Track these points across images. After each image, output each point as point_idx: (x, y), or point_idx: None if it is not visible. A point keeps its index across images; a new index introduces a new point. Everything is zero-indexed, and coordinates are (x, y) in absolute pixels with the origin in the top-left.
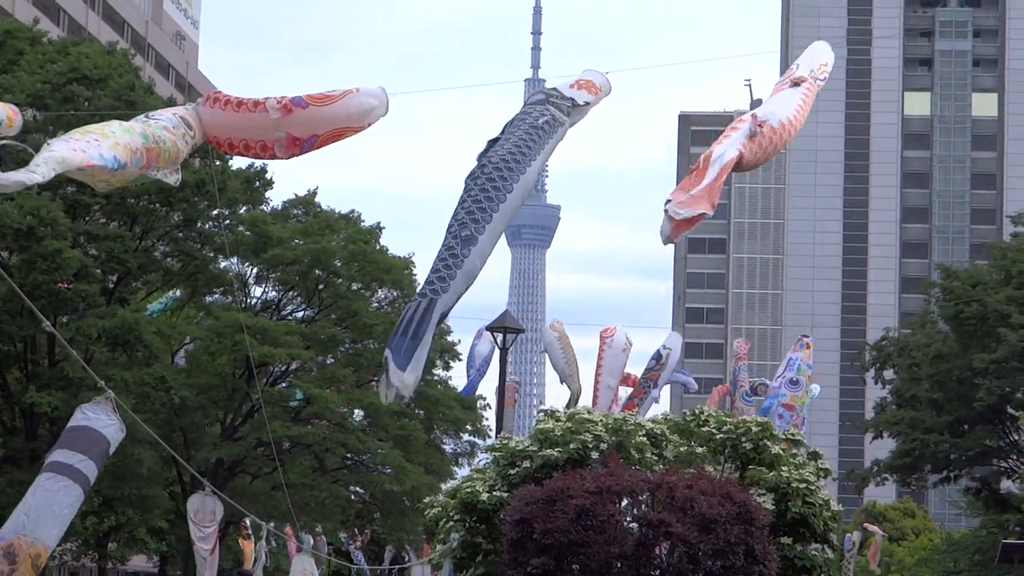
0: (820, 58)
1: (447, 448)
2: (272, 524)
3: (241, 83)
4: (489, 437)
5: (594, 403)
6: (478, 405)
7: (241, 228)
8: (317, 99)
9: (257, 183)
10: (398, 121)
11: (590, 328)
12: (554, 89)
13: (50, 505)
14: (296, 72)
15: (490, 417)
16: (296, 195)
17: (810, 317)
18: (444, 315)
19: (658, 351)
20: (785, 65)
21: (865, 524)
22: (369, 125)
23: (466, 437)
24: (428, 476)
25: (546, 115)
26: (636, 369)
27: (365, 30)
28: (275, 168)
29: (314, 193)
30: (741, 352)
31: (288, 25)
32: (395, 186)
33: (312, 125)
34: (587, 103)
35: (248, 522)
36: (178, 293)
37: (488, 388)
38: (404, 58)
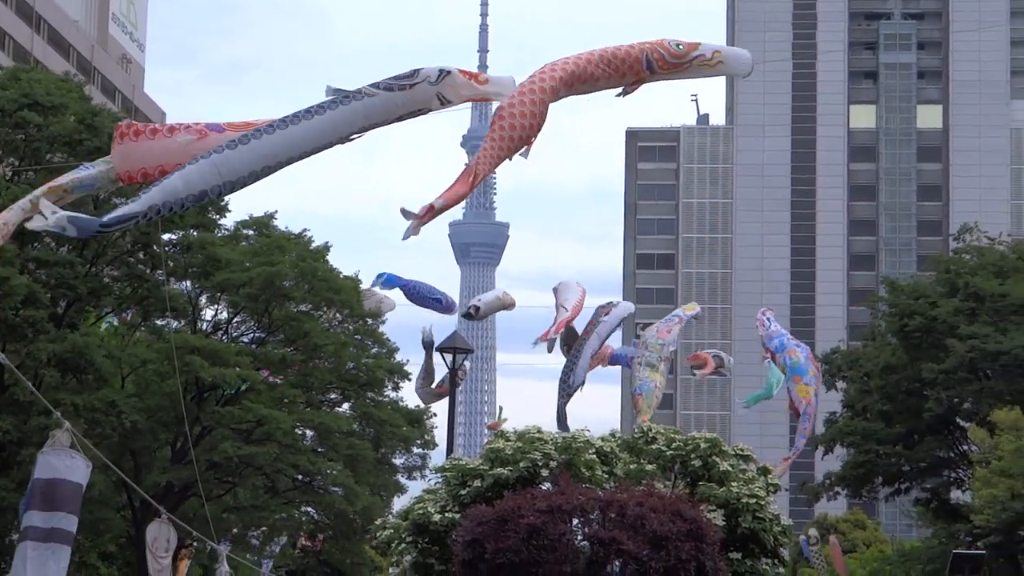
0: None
1: (397, 462)
2: (228, 548)
3: (182, 104)
4: (438, 446)
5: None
6: (425, 417)
7: (191, 252)
8: (237, 127)
9: (211, 209)
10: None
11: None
12: (415, 72)
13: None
14: (227, 92)
15: (438, 425)
16: (251, 216)
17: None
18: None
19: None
20: (731, 81)
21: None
22: None
23: (416, 451)
24: (377, 497)
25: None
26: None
27: (299, 50)
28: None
29: (271, 215)
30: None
31: (224, 44)
32: (334, 207)
33: None
34: (441, 76)
35: (195, 545)
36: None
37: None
38: (341, 78)
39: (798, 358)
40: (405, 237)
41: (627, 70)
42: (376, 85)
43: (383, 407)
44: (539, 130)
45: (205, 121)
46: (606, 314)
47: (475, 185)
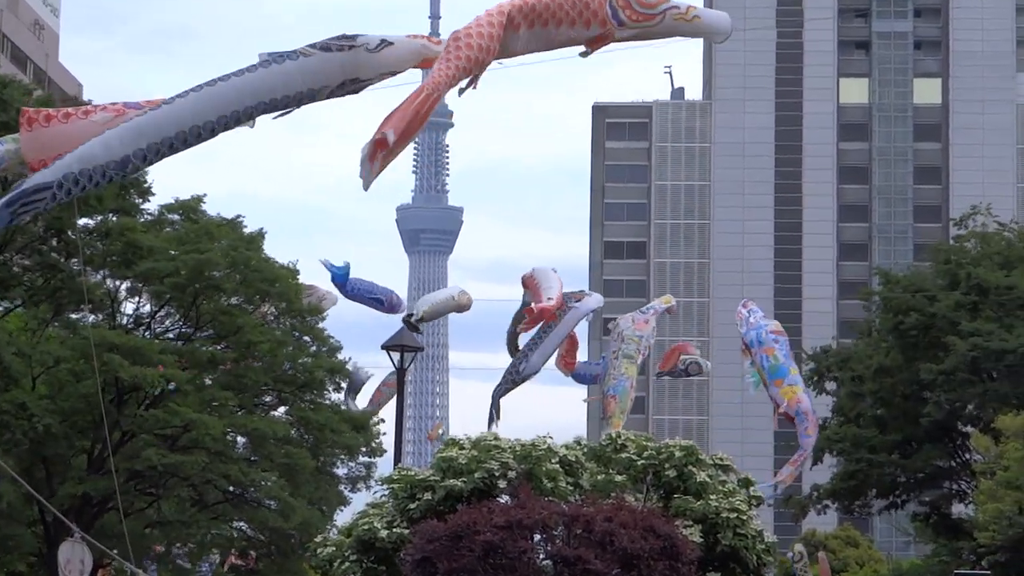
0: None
1: (340, 472)
2: (152, 569)
3: (100, 75)
4: (386, 452)
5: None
6: (371, 422)
7: (110, 238)
8: (155, 104)
9: (132, 191)
10: (268, 120)
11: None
12: (355, 36)
13: None
14: (151, 62)
15: (386, 431)
16: (177, 199)
17: None
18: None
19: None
20: (708, 51)
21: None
22: None
23: (360, 459)
24: (314, 510)
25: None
26: None
27: (232, 16)
28: (154, 173)
29: (200, 199)
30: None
31: (148, 9)
32: (269, 190)
33: None
34: (381, 45)
35: (113, 565)
36: None
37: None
38: (279, 48)
39: (777, 358)
40: (366, 187)
41: (591, 16)
42: (313, 45)
43: (323, 411)
44: (493, 55)
45: (124, 100)
46: (577, 300)
47: (428, 108)
